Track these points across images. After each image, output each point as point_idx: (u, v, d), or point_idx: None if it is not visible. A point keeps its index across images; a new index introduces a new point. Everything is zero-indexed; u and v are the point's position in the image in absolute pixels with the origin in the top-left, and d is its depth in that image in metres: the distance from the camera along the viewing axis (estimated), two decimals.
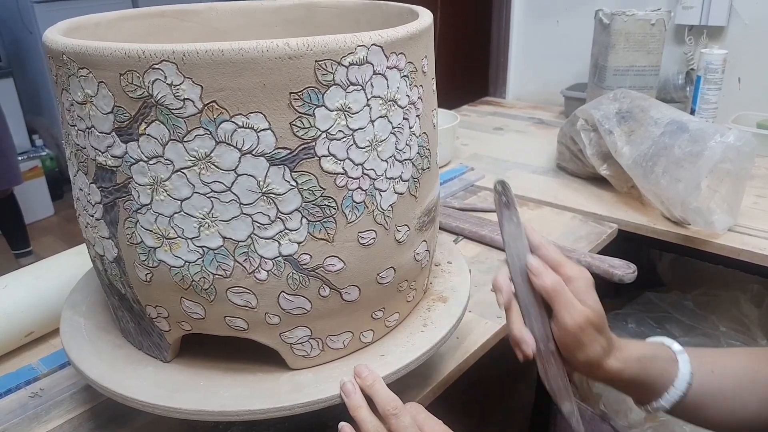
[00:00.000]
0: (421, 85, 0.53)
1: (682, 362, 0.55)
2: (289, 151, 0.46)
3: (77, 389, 0.67)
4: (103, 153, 0.48)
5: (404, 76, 0.51)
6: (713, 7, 1.39)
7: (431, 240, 0.61)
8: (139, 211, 0.49)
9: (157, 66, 0.43)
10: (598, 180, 1.15)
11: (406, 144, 0.53)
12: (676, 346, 0.57)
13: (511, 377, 1.25)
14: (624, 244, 1.02)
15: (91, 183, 0.51)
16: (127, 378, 0.54)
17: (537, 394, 1.33)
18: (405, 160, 0.53)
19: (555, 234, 0.99)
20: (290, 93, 0.45)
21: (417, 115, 0.53)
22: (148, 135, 0.46)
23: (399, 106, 0.51)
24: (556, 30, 1.67)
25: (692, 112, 1.34)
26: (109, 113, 0.46)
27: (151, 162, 0.47)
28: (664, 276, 1.39)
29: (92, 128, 0.48)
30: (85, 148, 0.50)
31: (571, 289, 0.52)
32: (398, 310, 0.59)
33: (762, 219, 1.00)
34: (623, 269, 0.86)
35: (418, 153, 0.55)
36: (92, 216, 0.52)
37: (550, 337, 0.53)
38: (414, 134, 0.54)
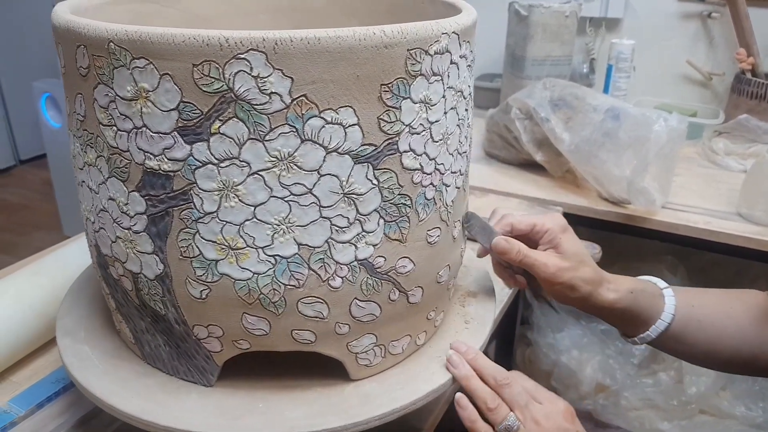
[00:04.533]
0: (473, 75, 0.52)
1: (667, 296, 0.60)
2: (374, 148, 0.43)
3: (68, 428, 0.58)
4: (156, 156, 0.42)
5: (468, 65, 0.49)
6: (612, 0, 1.49)
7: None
8: (200, 221, 0.43)
9: (242, 56, 0.38)
10: (530, 166, 1.18)
11: (465, 136, 0.51)
12: (661, 283, 0.62)
13: None
14: None
15: (132, 191, 0.44)
16: (173, 409, 0.48)
17: None
18: (463, 152, 0.52)
19: None
20: (381, 85, 0.42)
21: (471, 107, 0.52)
22: (221, 134, 0.40)
23: (464, 96, 0.49)
24: None
25: None
26: (171, 110, 0.40)
27: (222, 165, 0.41)
28: None
29: (143, 128, 0.41)
30: (127, 151, 0.43)
31: (547, 239, 0.57)
32: (444, 309, 0.58)
33: (684, 196, 1.09)
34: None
35: (468, 145, 0.53)
36: (128, 229, 0.45)
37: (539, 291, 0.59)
38: (469, 126, 0.52)
